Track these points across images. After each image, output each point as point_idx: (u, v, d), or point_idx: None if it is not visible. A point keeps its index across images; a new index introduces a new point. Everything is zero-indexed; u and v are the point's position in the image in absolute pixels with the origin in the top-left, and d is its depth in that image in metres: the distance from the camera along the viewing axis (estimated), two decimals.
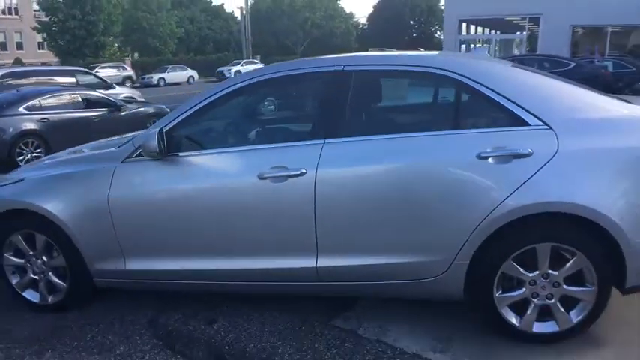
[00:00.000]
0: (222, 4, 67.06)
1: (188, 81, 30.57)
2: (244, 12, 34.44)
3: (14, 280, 3.02)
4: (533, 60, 8.84)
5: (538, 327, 2.45)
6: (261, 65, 34.56)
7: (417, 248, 2.43)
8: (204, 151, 2.64)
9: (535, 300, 2.41)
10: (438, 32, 70.65)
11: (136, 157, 2.70)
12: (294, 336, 2.61)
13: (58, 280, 2.94)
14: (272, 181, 2.46)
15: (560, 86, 2.55)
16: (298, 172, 2.43)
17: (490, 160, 2.31)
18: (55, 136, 8.30)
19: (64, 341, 2.68)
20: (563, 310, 2.40)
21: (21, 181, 2.95)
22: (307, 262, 2.53)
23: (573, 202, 2.25)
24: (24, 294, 3.03)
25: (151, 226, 2.70)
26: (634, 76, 11.15)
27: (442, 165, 2.37)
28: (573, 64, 11.38)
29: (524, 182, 2.27)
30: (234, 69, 32.23)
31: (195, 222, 2.63)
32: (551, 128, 2.31)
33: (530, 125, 2.34)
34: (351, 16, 54.16)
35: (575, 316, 2.40)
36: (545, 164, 2.26)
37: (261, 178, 2.47)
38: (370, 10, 68.17)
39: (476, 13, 16.86)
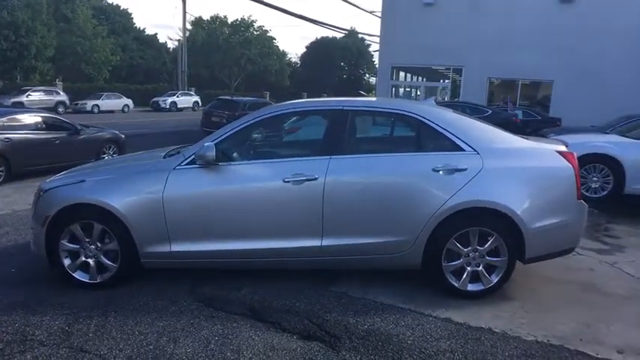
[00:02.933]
0: (156, 33, 66.75)
1: (123, 109, 30.13)
2: (182, 43, 35.05)
3: (67, 263, 3.68)
4: (457, 106, 10.53)
5: (471, 287, 3.65)
6: (197, 97, 35.12)
7: (391, 231, 3.55)
8: (242, 162, 3.61)
9: (468, 268, 3.61)
10: (367, 75, 75.61)
11: (186, 165, 3.60)
12: (304, 296, 3.60)
13: (109, 262, 3.66)
14: (293, 183, 3.48)
15: (483, 126, 3.87)
16: (312, 178, 3.49)
17: (441, 172, 3.52)
18: (16, 156, 8.54)
19: (122, 306, 3.41)
20: (486, 274, 3.62)
21: (82, 182, 3.68)
22: (315, 242, 3.55)
23: (493, 201, 3.50)
24: (74, 274, 3.70)
25: (196, 217, 3.57)
26: (539, 124, 13.65)
27: (409, 174, 3.55)
28: (490, 111, 13.66)
29: (462, 187, 3.50)
30: (169, 100, 32.37)
31: (232, 213, 3.56)
32: (478, 153, 3.59)
33: (465, 151, 3.60)
34: (284, 54, 56.45)
35: (494, 278, 3.63)
36: (474, 176, 3.51)
37: (285, 181, 3.49)
38: (303, 49, 71.85)
39: (407, 62, 19.16)
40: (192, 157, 3.60)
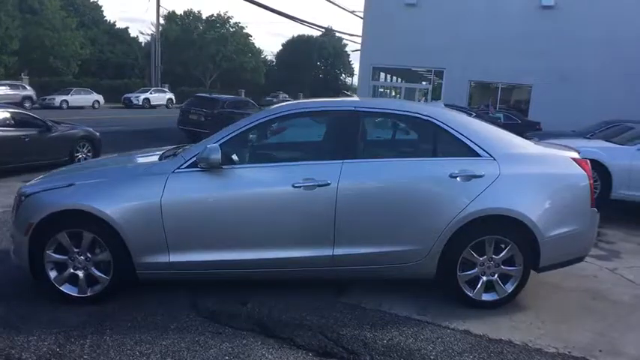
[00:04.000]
0: (127, 27, 64.88)
1: (93, 106, 29.07)
2: (155, 38, 34.10)
3: (53, 276, 3.36)
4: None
5: (485, 296, 3.53)
6: (171, 94, 34.28)
7: (406, 240, 3.39)
8: (248, 165, 3.37)
9: (483, 277, 3.49)
10: (343, 75, 75.75)
11: (186, 168, 3.34)
12: (314, 308, 3.39)
13: (100, 274, 3.36)
14: (304, 189, 3.27)
15: (498, 130, 3.75)
16: (324, 183, 3.29)
17: (458, 178, 3.38)
18: None
19: (118, 323, 3.13)
20: (501, 283, 3.50)
21: (71, 185, 3.37)
22: (326, 252, 3.36)
23: (510, 208, 3.39)
24: (62, 288, 3.38)
25: (197, 224, 3.32)
26: (520, 127, 13.81)
27: (426, 180, 3.40)
28: (474, 114, 13.77)
29: (480, 194, 3.37)
30: (142, 96, 31.45)
31: (237, 221, 3.32)
32: (495, 159, 3.47)
33: (481, 156, 3.48)
34: (260, 52, 55.81)
35: (509, 288, 3.52)
36: (492, 183, 3.39)
37: (294, 186, 3.28)
38: (278, 48, 71.17)
39: (388, 63, 19.17)
40: (194, 159, 3.34)
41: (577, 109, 14.71)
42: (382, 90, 21.30)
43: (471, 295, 3.50)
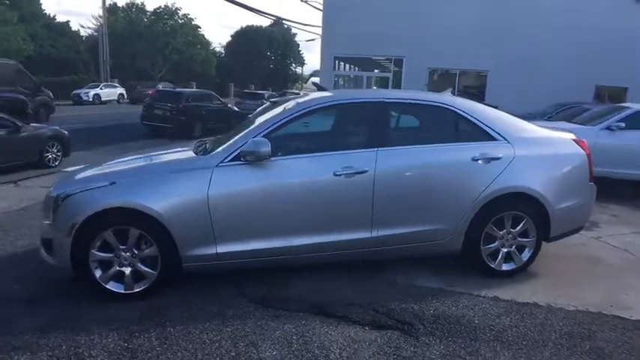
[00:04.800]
0: (68, 21, 61.18)
1: None
2: (102, 31, 32.56)
3: (98, 274, 3.39)
4: None
5: (505, 266, 3.91)
6: (122, 89, 32.98)
7: (436, 219, 3.69)
8: (288, 156, 3.52)
9: (503, 249, 3.86)
10: (294, 65, 75.54)
11: (229, 161, 3.45)
12: (357, 287, 3.65)
13: (147, 269, 3.42)
14: (345, 177, 3.49)
15: (508, 117, 4.11)
16: (362, 170, 3.52)
17: (480, 161, 3.72)
18: None
19: (174, 315, 3.21)
20: (518, 254, 3.89)
21: (113, 184, 3.39)
22: (365, 234, 3.60)
23: (526, 186, 3.76)
24: (107, 286, 3.41)
25: (244, 215, 3.45)
26: None
27: (452, 164, 3.70)
28: None
29: (499, 175, 3.72)
30: (92, 92, 30.04)
31: (282, 209, 3.49)
32: (509, 142, 3.82)
33: (497, 140, 3.82)
34: (209, 43, 54.57)
35: (524, 257, 3.91)
36: (508, 164, 3.75)
37: (335, 175, 3.48)
38: (226, 39, 69.85)
39: (349, 53, 19.47)
40: (236, 153, 3.46)
41: (530, 93, 15.68)
42: (342, 82, 21.61)
43: (492, 266, 3.87)
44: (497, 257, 3.87)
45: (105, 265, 3.40)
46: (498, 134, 3.84)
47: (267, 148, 3.34)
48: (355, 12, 18.25)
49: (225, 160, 3.46)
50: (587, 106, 10.91)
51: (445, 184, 3.68)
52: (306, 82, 65.83)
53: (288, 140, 3.62)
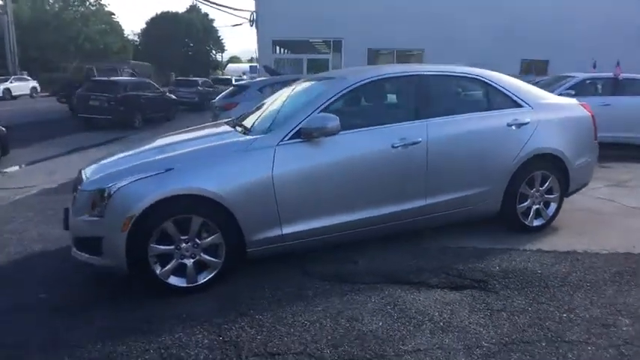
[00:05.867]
0: None
1: None
2: (8, 20, 29.24)
3: (158, 270, 3.17)
4: None
5: (535, 222, 4.23)
6: (34, 82, 30.05)
7: (481, 183, 3.91)
8: (348, 131, 3.49)
9: (533, 207, 4.17)
10: (214, 52, 73.15)
11: (289, 139, 3.37)
12: (416, 255, 3.78)
13: (211, 259, 3.26)
14: (402, 148, 3.56)
15: (527, 85, 4.39)
16: (416, 141, 3.61)
17: (513, 127, 3.96)
18: None
19: (253, 304, 3.08)
20: (545, 210, 4.22)
21: (169, 170, 3.17)
22: (420, 203, 3.71)
23: (552, 147, 4.08)
24: (169, 281, 3.21)
25: (307, 193, 3.39)
26: None
27: (492, 130, 3.91)
28: None
29: (530, 138, 4.00)
30: (1, 87, 27.04)
31: (344, 184, 3.48)
32: (533, 108, 4.10)
33: (523, 107, 4.09)
34: (122, 31, 51.01)
35: (550, 213, 4.26)
36: (535, 128, 4.04)
37: (393, 146, 3.54)
38: (140, 26, 65.59)
39: (287, 36, 19.26)
40: (296, 130, 3.38)
41: None
42: (284, 66, 21.36)
43: (526, 222, 4.17)
44: (529, 214, 4.17)
45: (163, 259, 3.19)
46: (523, 101, 4.11)
47: (336, 123, 3.30)
48: None
49: (286, 138, 3.37)
50: (527, 78, 11.80)
51: (488, 149, 3.89)
52: (224, 69, 64.07)
53: (341, 115, 3.58)
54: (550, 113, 4.19)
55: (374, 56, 19.45)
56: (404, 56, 19.83)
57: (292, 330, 2.79)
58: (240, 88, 9.72)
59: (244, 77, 31.10)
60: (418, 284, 3.30)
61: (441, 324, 2.81)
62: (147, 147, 3.94)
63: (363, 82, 3.68)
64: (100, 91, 14.37)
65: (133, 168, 3.28)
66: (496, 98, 4.09)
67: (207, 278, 3.28)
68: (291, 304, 3.08)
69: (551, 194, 4.24)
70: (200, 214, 3.17)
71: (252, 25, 25.11)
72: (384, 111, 3.74)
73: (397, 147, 3.56)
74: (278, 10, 18.27)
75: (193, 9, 67.33)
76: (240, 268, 3.49)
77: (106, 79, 16.21)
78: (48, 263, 3.86)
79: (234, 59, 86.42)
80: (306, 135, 3.35)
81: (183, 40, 61.94)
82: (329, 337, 2.70)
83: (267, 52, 19.37)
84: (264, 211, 3.30)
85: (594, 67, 10.31)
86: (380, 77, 3.77)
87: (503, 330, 2.75)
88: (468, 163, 3.83)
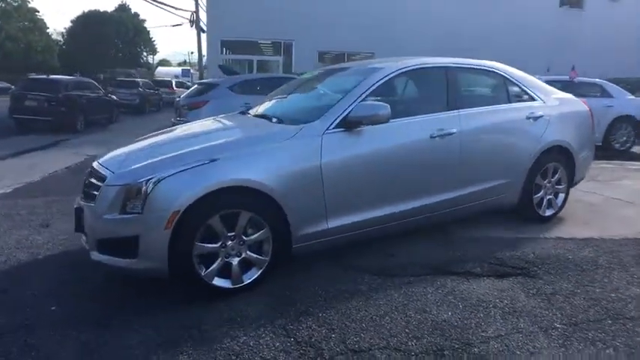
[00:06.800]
0: None
1: None
2: None
3: (203, 271, 2.91)
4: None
5: (547, 212, 4.41)
6: None
7: (505, 174, 4.01)
8: (393, 120, 3.39)
9: (545, 197, 4.35)
10: (145, 53, 70.11)
11: (334, 128, 3.24)
12: (452, 246, 3.80)
13: (258, 257, 3.05)
14: (439, 138, 3.56)
15: (538, 80, 4.57)
16: (451, 132, 3.63)
17: (531, 119, 4.11)
18: None
19: (308, 301, 2.92)
20: (555, 200, 4.42)
21: (214, 161, 2.92)
22: (452, 194, 3.73)
23: (562, 139, 4.29)
24: (214, 282, 2.96)
25: (355, 183, 3.28)
26: None
27: (514, 122, 4.05)
28: None
29: (545, 131, 4.17)
30: None
31: (389, 175, 3.41)
32: (545, 102, 4.29)
33: (536, 101, 4.26)
34: (47, 28, 47.43)
35: (559, 203, 4.47)
36: (549, 121, 4.22)
37: (432, 137, 3.54)
38: (67, 24, 61.02)
39: (236, 36, 18.88)
40: (341, 118, 3.26)
41: None
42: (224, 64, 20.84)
43: (540, 212, 4.34)
44: (542, 205, 4.35)
45: (206, 258, 2.94)
46: (536, 95, 4.29)
47: (387, 111, 3.22)
48: None
49: (331, 127, 3.25)
50: None
51: (510, 141, 4.01)
52: (154, 71, 61.62)
53: None
54: (559, 108, 4.40)
55: (324, 59, 19.62)
56: (356, 59, 20.18)
57: (364, 325, 2.66)
58: (208, 87, 9.34)
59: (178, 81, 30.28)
60: (465, 274, 3.30)
61: (507, 309, 2.83)
62: (165, 138, 3.64)
63: (399, 72, 3.65)
64: (39, 90, 13.21)
65: (172, 159, 3.00)
66: (513, 91, 4.24)
67: (252, 278, 3.06)
68: (350, 299, 2.95)
69: (560, 185, 4.44)
70: (248, 207, 2.95)
71: (192, 26, 24.48)
72: (419, 101, 3.73)
73: (435, 137, 3.56)
74: (228, 11, 17.91)
75: (123, 8, 64.26)
76: (279, 268, 3.29)
77: (44, 77, 14.96)
78: (49, 271, 3.43)
79: (163, 62, 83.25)
80: (353, 123, 3.25)
81: (113, 41, 58.88)
82: (406, 330, 2.61)
83: (216, 53, 18.89)
84: (312, 204, 3.15)
85: (548, 70, 11.09)
86: (414, 67, 3.75)
87: (566, 312, 2.81)
88: (495, 155, 3.92)
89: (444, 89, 3.80)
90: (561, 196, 4.48)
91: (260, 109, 4.24)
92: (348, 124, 3.26)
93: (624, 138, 8.85)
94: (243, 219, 2.95)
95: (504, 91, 4.23)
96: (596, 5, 20.67)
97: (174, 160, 2.97)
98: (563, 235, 4.08)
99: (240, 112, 4.48)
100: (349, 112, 3.26)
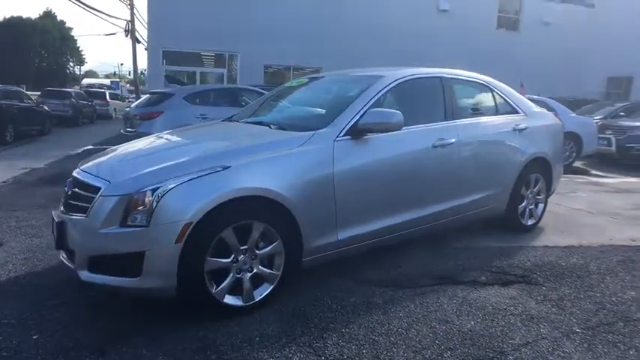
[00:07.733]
0: None
1: None
2: None
3: (213, 289, 2.66)
4: (253, 91, 10.05)
5: (529, 222, 4.57)
6: None
7: (496, 184, 4.11)
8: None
9: (527, 207, 4.52)
10: (72, 63, 66.34)
11: (343, 136, 3.14)
12: (452, 256, 3.81)
13: (270, 271, 2.85)
14: (440, 148, 3.58)
15: (516, 93, 4.75)
16: (451, 142, 3.67)
17: (517, 131, 4.26)
18: None
19: (323, 317, 2.77)
20: (535, 210, 4.61)
21: (226, 168, 2.71)
22: (453, 203, 3.75)
23: (543, 151, 4.48)
24: (225, 301, 2.72)
25: (365, 192, 3.19)
26: None
27: (503, 133, 4.17)
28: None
29: (529, 142, 4.34)
30: None
31: (397, 184, 3.35)
32: (527, 115, 4.48)
33: (519, 113, 4.45)
34: None
35: (539, 213, 4.67)
36: (532, 133, 4.40)
37: (434, 146, 3.55)
38: None
39: (178, 47, 18.29)
40: (350, 126, 3.16)
41: None
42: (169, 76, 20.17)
43: (523, 222, 4.48)
44: (525, 214, 4.50)
45: (217, 274, 2.70)
46: (519, 108, 4.48)
47: (400, 119, 3.16)
48: (187, 6, 17.39)
49: (341, 135, 3.15)
50: None
51: (500, 152, 4.14)
52: (80, 82, 58.34)
53: None
54: (538, 121, 4.61)
55: (270, 72, 19.53)
56: (303, 73, 20.28)
57: (393, 339, 2.55)
58: (163, 96, 8.90)
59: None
60: (471, 283, 3.30)
61: (524, 316, 2.84)
62: (158, 144, 3.36)
63: (401, 81, 3.63)
64: None
65: (176, 166, 2.74)
66: (500, 104, 4.38)
67: (264, 294, 2.85)
68: (369, 313, 2.83)
69: (540, 195, 4.64)
70: (262, 219, 2.76)
71: (127, 35, 23.47)
72: (420, 110, 3.73)
73: (436, 147, 3.57)
74: (170, 22, 17.37)
75: (48, 15, 60.54)
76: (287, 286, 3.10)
77: None
78: (18, 295, 3.01)
79: (90, 73, 79.14)
80: (362, 131, 3.17)
81: (37, 50, 55.16)
82: (437, 342, 2.53)
83: (157, 64, 18.18)
84: (324, 214, 3.02)
85: (522, 86, 11.79)
86: (414, 77, 3.76)
87: (579, 316, 2.87)
88: (488, 165, 4.01)
89: (441, 99, 3.84)
90: (541, 206, 4.68)
91: (249, 116, 4.06)
92: (357, 132, 3.18)
93: (567, 153, 9.51)
94: (256, 231, 2.76)
95: (493, 103, 4.36)
96: (530, 29, 22.20)
97: (180, 167, 2.72)
98: (548, 244, 4.23)
99: (225, 120, 4.27)
100: (359, 120, 3.18)
